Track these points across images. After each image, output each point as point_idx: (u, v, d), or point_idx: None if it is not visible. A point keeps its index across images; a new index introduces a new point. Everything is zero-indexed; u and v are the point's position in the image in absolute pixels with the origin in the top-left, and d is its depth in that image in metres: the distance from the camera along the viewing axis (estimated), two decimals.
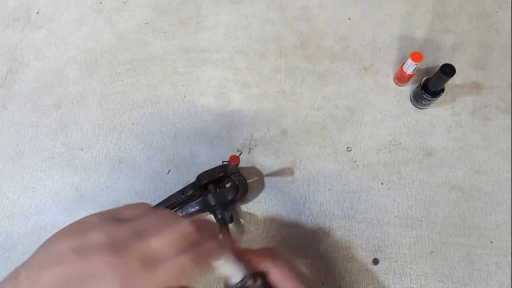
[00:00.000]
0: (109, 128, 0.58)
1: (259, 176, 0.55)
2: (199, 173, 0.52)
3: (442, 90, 0.55)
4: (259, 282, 0.32)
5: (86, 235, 0.24)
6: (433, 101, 0.56)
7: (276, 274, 0.32)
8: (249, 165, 0.56)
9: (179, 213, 0.49)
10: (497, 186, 0.54)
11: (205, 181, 0.50)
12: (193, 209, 0.49)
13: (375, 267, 0.51)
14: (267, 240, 0.52)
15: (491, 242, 0.52)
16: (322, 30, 0.64)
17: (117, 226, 0.25)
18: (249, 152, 0.56)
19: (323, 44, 0.63)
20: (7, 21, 0.66)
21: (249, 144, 0.57)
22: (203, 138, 0.57)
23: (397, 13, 0.65)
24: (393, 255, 0.51)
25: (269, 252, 0.33)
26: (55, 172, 0.56)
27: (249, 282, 0.31)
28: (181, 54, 0.62)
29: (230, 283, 0.31)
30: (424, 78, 0.56)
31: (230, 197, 0.49)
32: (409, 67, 0.55)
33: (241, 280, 0.31)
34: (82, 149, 0.57)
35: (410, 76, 0.57)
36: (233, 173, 0.50)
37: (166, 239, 0.25)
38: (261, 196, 0.54)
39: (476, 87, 0.60)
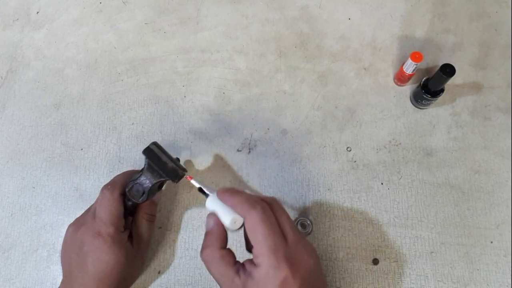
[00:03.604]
0: (109, 128, 0.58)
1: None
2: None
3: (442, 90, 0.55)
4: (238, 225, 0.39)
5: (76, 222, 0.46)
6: (433, 101, 0.56)
7: (247, 222, 0.37)
8: (249, 165, 0.56)
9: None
10: (497, 186, 0.54)
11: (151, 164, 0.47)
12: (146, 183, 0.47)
13: (375, 267, 0.51)
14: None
15: (491, 242, 0.52)
16: (322, 30, 0.64)
17: (86, 212, 0.47)
18: (249, 152, 0.56)
19: (323, 44, 0.63)
20: (7, 21, 0.66)
21: (249, 144, 0.57)
22: (203, 138, 0.57)
23: (397, 13, 0.65)
24: (393, 255, 0.51)
25: (249, 199, 0.38)
26: (55, 172, 0.56)
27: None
28: (181, 54, 0.62)
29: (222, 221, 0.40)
30: (424, 78, 0.56)
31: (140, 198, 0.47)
32: (409, 67, 0.55)
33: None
34: (82, 149, 0.57)
35: (410, 76, 0.57)
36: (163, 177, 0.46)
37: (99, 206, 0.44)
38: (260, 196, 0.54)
39: (476, 87, 0.60)
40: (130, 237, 0.46)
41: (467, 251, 0.51)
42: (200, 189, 0.45)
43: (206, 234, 0.40)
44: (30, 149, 0.57)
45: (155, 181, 0.46)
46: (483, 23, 0.64)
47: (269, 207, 0.38)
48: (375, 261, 0.51)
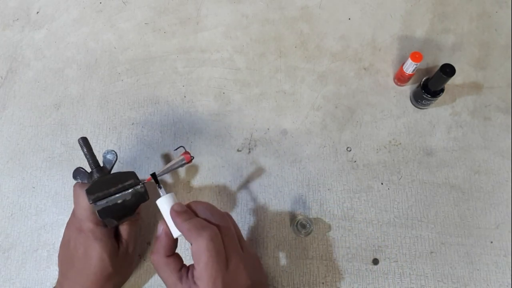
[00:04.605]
0: (109, 128, 0.58)
1: (260, 176, 0.55)
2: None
3: (442, 90, 0.55)
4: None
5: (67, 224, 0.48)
6: (433, 101, 0.56)
7: (192, 248, 0.37)
8: (249, 165, 0.56)
9: None
10: (497, 186, 0.54)
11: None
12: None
13: (375, 267, 0.51)
14: (267, 240, 0.52)
15: (491, 242, 0.52)
16: (322, 30, 0.64)
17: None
18: (249, 152, 0.56)
19: (323, 44, 0.63)
20: (7, 21, 0.66)
21: (249, 144, 0.57)
22: (203, 138, 0.57)
23: (397, 13, 0.65)
24: (393, 255, 0.51)
25: (197, 226, 0.38)
26: (55, 172, 0.56)
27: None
28: (181, 54, 0.62)
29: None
30: (424, 78, 0.56)
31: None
32: (409, 67, 0.55)
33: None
34: None
35: (410, 76, 0.57)
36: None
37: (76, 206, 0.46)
38: (260, 196, 0.54)
39: (476, 87, 0.60)
40: (117, 236, 0.47)
41: (467, 251, 0.51)
42: (154, 177, 0.43)
43: (156, 239, 0.41)
44: (30, 149, 0.57)
45: (121, 220, 0.45)
46: (483, 23, 0.64)
47: (220, 230, 0.39)
48: (375, 261, 0.51)
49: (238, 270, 0.39)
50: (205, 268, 0.36)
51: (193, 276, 0.38)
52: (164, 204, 0.41)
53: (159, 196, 0.42)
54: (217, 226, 0.39)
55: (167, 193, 0.42)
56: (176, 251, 0.42)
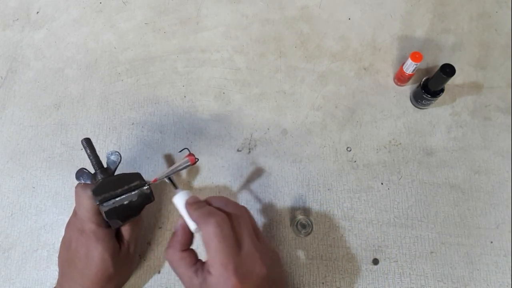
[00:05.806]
0: (109, 128, 0.58)
1: (260, 176, 0.55)
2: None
3: (442, 90, 0.55)
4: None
5: (67, 222, 0.48)
6: (433, 101, 0.56)
7: (202, 236, 0.38)
8: (249, 165, 0.56)
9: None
10: (497, 186, 0.54)
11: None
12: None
13: (375, 267, 0.51)
14: (267, 240, 0.52)
15: (491, 242, 0.52)
16: (322, 30, 0.64)
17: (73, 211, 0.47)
18: (249, 152, 0.56)
19: (323, 44, 0.63)
20: (7, 21, 0.66)
21: (249, 144, 0.57)
22: (203, 138, 0.57)
23: (397, 13, 0.65)
24: (393, 255, 0.51)
25: (205, 213, 0.39)
26: (55, 172, 0.56)
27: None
28: (181, 54, 0.62)
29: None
30: (424, 78, 0.56)
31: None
32: (409, 67, 0.55)
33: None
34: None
35: (410, 76, 0.57)
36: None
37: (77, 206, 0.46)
38: (260, 196, 0.54)
39: (476, 87, 0.60)
40: (119, 237, 0.47)
41: (467, 251, 0.51)
42: (170, 180, 0.45)
43: (172, 234, 0.42)
44: (30, 149, 0.57)
45: (124, 222, 0.45)
46: (483, 23, 0.64)
47: (230, 218, 0.39)
48: (375, 261, 0.51)
49: (252, 257, 0.38)
50: (215, 253, 0.36)
51: (207, 266, 0.38)
52: (181, 199, 0.42)
53: (168, 197, 0.42)
54: (229, 214, 0.40)
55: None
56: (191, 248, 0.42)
